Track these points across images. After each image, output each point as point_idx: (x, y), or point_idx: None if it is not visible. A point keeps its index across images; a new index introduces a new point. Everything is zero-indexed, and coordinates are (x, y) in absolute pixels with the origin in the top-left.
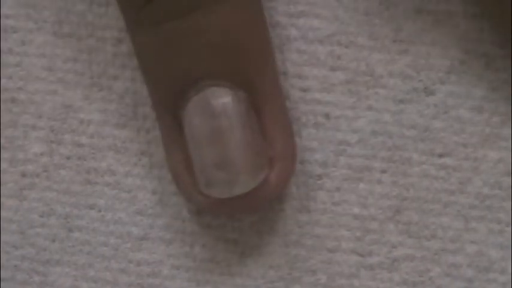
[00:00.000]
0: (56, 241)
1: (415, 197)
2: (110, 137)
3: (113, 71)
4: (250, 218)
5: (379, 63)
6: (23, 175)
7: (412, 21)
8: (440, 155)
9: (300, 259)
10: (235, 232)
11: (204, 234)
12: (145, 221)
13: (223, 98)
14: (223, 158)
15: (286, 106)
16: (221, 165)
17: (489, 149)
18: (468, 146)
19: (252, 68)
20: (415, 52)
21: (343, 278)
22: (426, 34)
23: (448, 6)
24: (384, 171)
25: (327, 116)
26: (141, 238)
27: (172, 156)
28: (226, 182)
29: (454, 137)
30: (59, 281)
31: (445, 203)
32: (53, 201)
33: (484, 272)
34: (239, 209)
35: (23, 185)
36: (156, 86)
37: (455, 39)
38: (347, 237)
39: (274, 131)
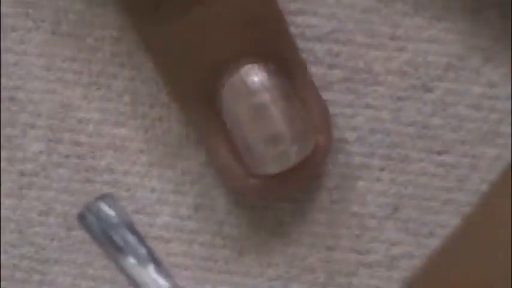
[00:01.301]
0: (55, 240)
1: (413, 194)
2: (109, 135)
3: (112, 70)
4: (248, 217)
5: (377, 61)
6: (22, 174)
7: (410, 19)
8: (439, 152)
9: (298, 257)
10: (233, 231)
11: (203, 233)
12: (144, 219)
13: (258, 75)
14: (272, 133)
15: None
16: (271, 140)
17: (487, 146)
18: (466, 143)
19: (275, 39)
20: (413, 49)
21: (342, 276)
22: (424, 31)
23: (445, 3)
24: (382, 169)
25: None
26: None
27: (218, 150)
28: (279, 156)
29: (452, 134)
30: (58, 279)
31: (443, 201)
32: (52, 200)
33: None
34: (293, 184)
35: (21, 184)
36: (186, 79)
37: (453, 36)
38: (346, 235)
39: (311, 96)
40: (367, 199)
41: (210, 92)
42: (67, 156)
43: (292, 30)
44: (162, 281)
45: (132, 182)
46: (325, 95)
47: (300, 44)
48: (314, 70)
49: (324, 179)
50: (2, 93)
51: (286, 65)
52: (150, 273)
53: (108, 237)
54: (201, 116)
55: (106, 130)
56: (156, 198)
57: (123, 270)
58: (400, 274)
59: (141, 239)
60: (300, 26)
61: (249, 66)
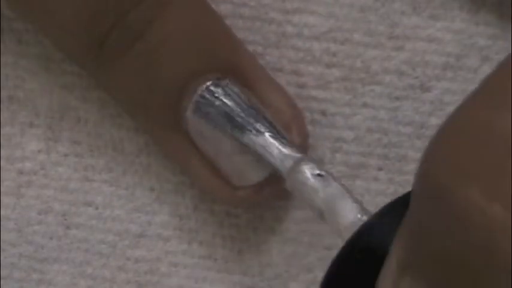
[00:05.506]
0: (54, 239)
1: None
2: (108, 134)
3: None
4: (247, 215)
5: (375, 60)
6: (21, 172)
7: (408, 18)
8: None
9: (297, 256)
10: (232, 229)
11: (202, 232)
12: (143, 218)
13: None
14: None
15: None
16: (244, 148)
17: None
18: None
19: (228, 51)
20: (411, 49)
21: None
22: (422, 30)
23: (443, 2)
24: (380, 169)
25: (323, 113)
26: (138, 235)
27: (199, 173)
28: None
29: None
30: (56, 278)
31: None
32: (51, 199)
33: None
34: (282, 182)
35: (20, 182)
36: (147, 108)
37: (451, 35)
38: None
39: (277, 98)
40: (365, 198)
41: (176, 117)
42: (66, 155)
43: (290, 29)
44: (286, 150)
45: (131, 180)
46: (323, 94)
47: (298, 43)
48: (311, 69)
49: None
50: (1, 92)
51: (243, 75)
52: (274, 144)
53: (228, 117)
54: (174, 142)
55: (105, 129)
56: (155, 197)
57: (246, 147)
58: None
59: (260, 116)
60: (297, 25)
61: (208, 83)
